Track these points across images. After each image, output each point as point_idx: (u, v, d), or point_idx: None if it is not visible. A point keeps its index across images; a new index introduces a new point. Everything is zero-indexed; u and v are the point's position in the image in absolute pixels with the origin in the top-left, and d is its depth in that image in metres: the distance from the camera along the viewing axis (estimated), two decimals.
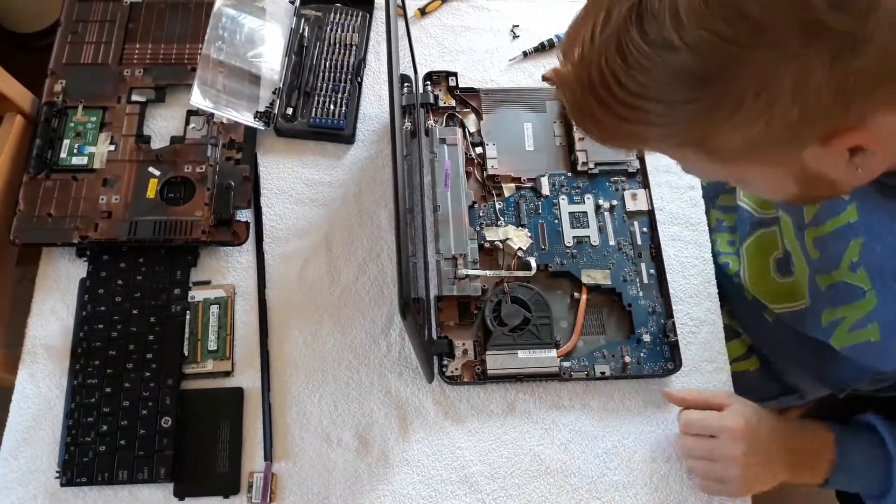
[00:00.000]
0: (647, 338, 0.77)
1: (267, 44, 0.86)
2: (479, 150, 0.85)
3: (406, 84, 0.86)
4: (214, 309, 0.77)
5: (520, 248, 0.79)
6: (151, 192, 0.79)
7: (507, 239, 0.79)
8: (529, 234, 0.80)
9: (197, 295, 0.77)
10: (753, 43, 0.39)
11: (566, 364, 0.75)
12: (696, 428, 0.70)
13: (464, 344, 0.76)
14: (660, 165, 0.86)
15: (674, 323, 0.77)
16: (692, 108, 0.43)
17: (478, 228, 0.80)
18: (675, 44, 0.41)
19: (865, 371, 0.67)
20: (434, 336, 0.75)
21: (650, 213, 0.82)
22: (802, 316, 0.75)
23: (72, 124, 0.82)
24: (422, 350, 0.64)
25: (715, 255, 0.83)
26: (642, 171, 0.84)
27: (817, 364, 0.74)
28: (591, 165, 0.83)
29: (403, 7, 0.80)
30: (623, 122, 0.46)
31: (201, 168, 0.80)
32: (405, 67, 0.85)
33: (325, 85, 0.86)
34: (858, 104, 0.42)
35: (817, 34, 0.39)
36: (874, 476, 0.67)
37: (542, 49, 0.91)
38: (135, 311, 0.76)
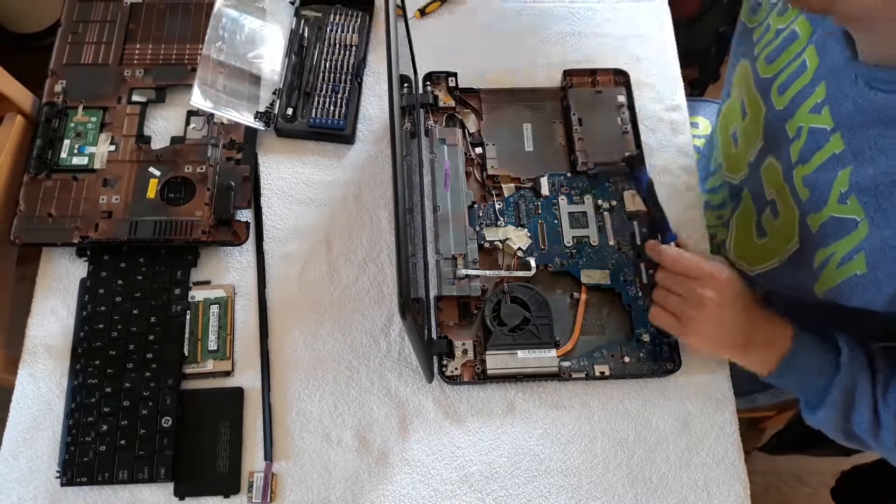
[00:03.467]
0: (646, 338, 0.77)
1: (267, 44, 0.86)
2: (478, 150, 0.85)
3: (406, 84, 0.86)
4: (214, 309, 0.77)
5: (519, 248, 0.79)
6: (152, 192, 0.79)
7: (507, 239, 0.80)
8: (529, 234, 0.80)
9: (197, 295, 0.77)
10: None
11: (566, 364, 0.75)
12: (682, 266, 0.69)
13: (464, 344, 0.76)
14: (660, 166, 0.86)
15: None
16: None
17: (477, 228, 0.80)
18: None
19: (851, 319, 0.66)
20: (434, 336, 0.75)
21: (650, 214, 0.82)
22: (774, 275, 0.76)
23: (72, 124, 0.82)
24: (421, 350, 0.64)
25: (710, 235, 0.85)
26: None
27: None
28: (591, 165, 0.84)
29: (403, 8, 0.81)
30: None
31: (201, 168, 0.81)
32: (405, 68, 0.85)
33: (324, 85, 0.86)
34: None
35: None
36: (817, 382, 0.66)
37: None
38: (135, 311, 0.76)
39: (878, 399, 0.64)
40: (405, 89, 0.86)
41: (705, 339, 0.70)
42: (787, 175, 0.72)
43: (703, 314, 0.67)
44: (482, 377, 0.74)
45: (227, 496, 0.70)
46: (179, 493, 0.70)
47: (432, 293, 0.77)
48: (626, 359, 0.76)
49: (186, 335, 0.75)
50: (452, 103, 0.87)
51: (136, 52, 0.86)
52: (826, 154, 0.65)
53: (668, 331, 0.73)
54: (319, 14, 0.90)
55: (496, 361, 0.74)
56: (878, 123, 0.58)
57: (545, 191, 0.83)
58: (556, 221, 0.81)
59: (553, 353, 0.75)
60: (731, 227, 0.84)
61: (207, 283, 0.79)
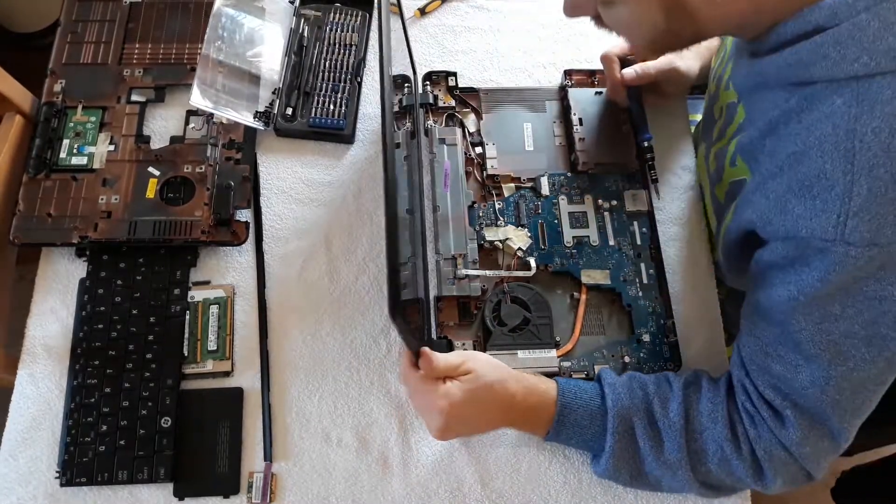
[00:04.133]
0: (646, 338, 0.77)
1: (266, 44, 0.86)
2: (478, 149, 0.85)
3: (406, 84, 0.86)
4: (214, 309, 0.77)
5: (519, 248, 0.79)
6: (151, 192, 0.79)
7: (507, 239, 0.79)
8: (529, 234, 0.80)
9: (197, 295, 0.77)
10: None
11: (566, 364, 0.75)
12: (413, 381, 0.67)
13: (464, 344, 0.75)
14: (660, 166, 0.86)
15: (673, 323, 0.77)
16: None
17: (477, 228, 0.80)
18: None
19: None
20: (434, 336, 0.75)
21: (650, 214, 0.82)
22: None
23: (71, 124, 0.82)
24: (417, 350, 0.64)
25: None
26: (642, 171, 0.84)
27: None
28: (591, 165, 0.83)
29: (399, 6, 0.81)
30: None
31: (201, 168, 0.80)
32: (403, 67, 0.85)
33: (324, 85, 0.86)
34: None
35: None
36: (592, 429, 0.67)
37: None
38: (134, 311, 0.76)
39: (656, 420, 0.66)
40: (405, 89, 0.85)
41: (458, 433, 0.69)
42: (706, 153, 0.76)
43: (442, 422, 0.64)
44: None
45: (226, 496, 0.70)
46: (179, 494, 0.70)
47: (432, 293, 0.77)
48: (626, 359, 0.76)
49: (186, 335, 0.75)
50: (452, 103, 0.87)
51: (136, 51, 0.86)
52: (735, 126, 0.69)
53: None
54: (319, 13, 0.90)
55: None
56: (762, 87, 0.63)
57: (545, 190, 0.83)
58: (556, 221, 0.81)
59: (553, 353, 0.75)
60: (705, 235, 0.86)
61: (207, 283, 0.78)
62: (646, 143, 0.82)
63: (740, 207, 0.64)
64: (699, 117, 1.03)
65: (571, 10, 0.65)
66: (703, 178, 0.78)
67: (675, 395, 0.67)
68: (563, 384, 0.69)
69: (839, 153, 0.53)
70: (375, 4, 0.85)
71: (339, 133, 0.84)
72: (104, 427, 0.71)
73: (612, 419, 0.66)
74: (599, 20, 0.64)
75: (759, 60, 0.60)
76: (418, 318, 0.74)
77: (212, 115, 0.82)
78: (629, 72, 0.82)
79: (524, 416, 0.68)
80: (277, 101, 0.84)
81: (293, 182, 0.84)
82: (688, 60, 0.82)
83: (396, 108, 0.85)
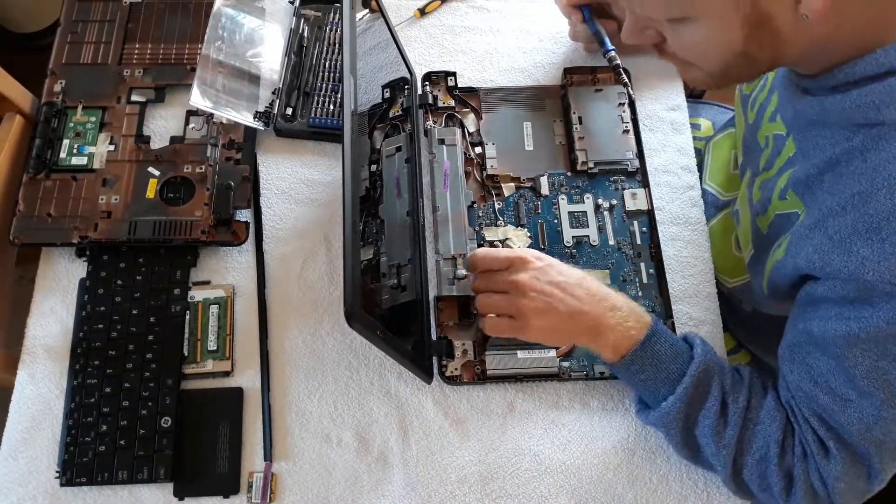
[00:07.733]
0: None
1: (266, 44, 0.86)
2: (478, 149, 0.85)
3: (406, 86, 0.86)
4: (214, 309, 0.77)
5: (519, 248, 0.79)
6: (151, 192, 0.79)
7: (507, 239, 0.79)
8: (529, 234, 0.80)
9: (197, 295, 0.77)
10: None
11: (565, 364, 0.75)
12: (491, 261, 0.68)
13: (463, 344, 0.75)
14: (660, 166, 0.86)
15: (673, 323, 0.77)
16: None
17: (477, 228, 0.80)
18: None
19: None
20: (434, 336, 0.75)
21: (650, 213, 0.82)
22: (747, 288, 0.77)
23: (71, 124, 0.82)
24: (398, 353, 0.64)
25: None
26: (642, 170, 0.84)
27: None
28: (591, 165, 0.83)
29: (381, 8, 0.81)
30: None
31: (201, 168, 0.80)
32: (397, 69, 0.85)
33: (324, 85, 0.86)
34: None
35: None
36: (670, 369, 0.66)
37: None
38: (134, 311, 0.76)
39: (727, 392, 0.65)
40: (407, 90, 0.85)
41: (546, 330, 0.67)
42: (750, 183, 0.74)
43: (528, 300, 0.65)
44: (482, 377, 0.74)
45: (226, 496, 0.70)
46: (179, 494, 0.70)
47: (432, 293, 0.77)
48: None
49: (186, 335, 0.75)
50: (451, 103, 0.87)
51: (136, 51, 0.86)
52: (784, 158, 0.67)
53: (509, 335, 0.69)
54: (319, 13, 0.90)
55: (496, 362, 0.74)
56: (815, 124, 0.62)
57: (545, 190, 0.83)
58: (555, 221, 0.81)
59: (552, 353, 0.75)
60: (708, 238, 0.84)
61: (207, 283, 0.79)
62: (612, 54, 0.82)
63: (795, 245, 0.63)
64: (700, 120, 1.03)
65: (634, 34, 0.62)
66: (743, 204, 0.76)
67: (745, 382, 0.66)
68: (657, 319, 0.68)
69: None
70: (385, 4, 0.84)
71: (338, 133, 0.84)
72: (104, 427, 0.71)
73: (696, 366, 0.65)
74: (660, 48, 0.62)
75: (819, 99, 0.59)
76: (418, 322, 0.73)
77: (212, 115, 0.82)
78: None
79: (615, 324, 0.66)
80: (277, 101, 0.84)
81: (293, 182, 0.84)
82: None
83: (399, 111, 0.84)
